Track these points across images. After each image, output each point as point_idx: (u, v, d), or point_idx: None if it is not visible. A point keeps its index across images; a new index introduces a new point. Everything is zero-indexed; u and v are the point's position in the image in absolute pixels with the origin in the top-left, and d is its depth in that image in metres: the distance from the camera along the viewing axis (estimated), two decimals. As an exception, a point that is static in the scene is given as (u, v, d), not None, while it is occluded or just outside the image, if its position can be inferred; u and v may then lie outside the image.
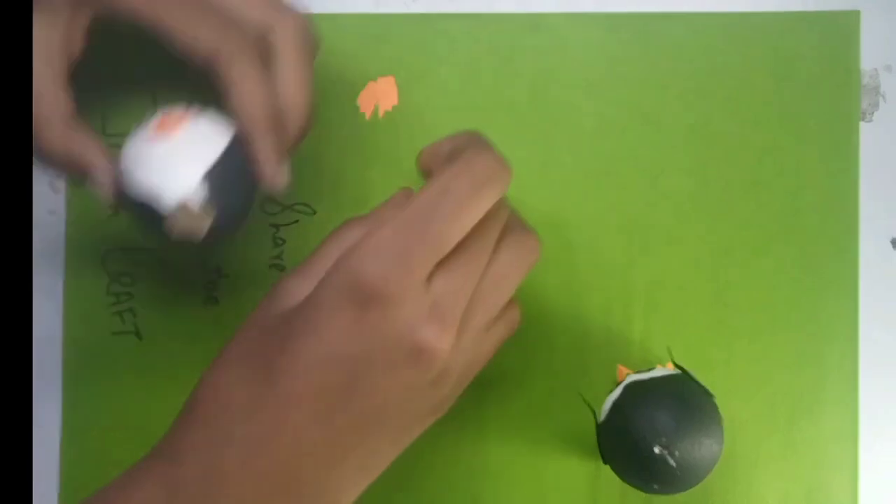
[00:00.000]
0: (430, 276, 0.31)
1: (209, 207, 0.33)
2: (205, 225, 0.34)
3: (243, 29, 0.35)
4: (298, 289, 0.33)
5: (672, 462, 0.36)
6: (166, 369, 0.44)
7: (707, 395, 0.38)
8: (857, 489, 0.43)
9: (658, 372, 0.38)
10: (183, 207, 0.33)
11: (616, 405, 0.38)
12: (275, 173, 0.35)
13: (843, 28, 0.44)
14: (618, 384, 0.38)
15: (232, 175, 0.34)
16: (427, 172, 0.35)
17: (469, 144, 0.33)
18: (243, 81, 0.35)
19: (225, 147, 0.34)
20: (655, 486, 0.37)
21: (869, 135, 0.44)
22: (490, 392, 0.44)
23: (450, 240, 0.30)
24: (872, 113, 0.44)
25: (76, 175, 0.36)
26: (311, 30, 0.37)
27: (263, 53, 0.36)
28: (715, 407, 0.37)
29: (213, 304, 0.44)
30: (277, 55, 0.36)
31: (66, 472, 0.44)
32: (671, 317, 0.44)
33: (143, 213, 0.34)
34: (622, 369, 0.40)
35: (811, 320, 0.44)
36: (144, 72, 0.44)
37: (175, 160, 0.33)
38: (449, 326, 0.31)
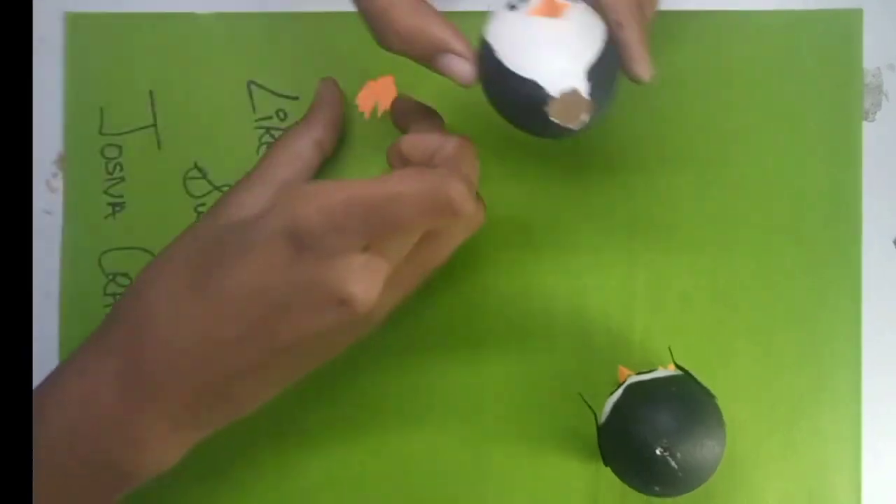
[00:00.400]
0: (365, 248, 0.32)
1: (595, 96, 0.33)
2: (587, 115, 0.33)
3: None
4: (246, 202, 0.36)
5: (674, 464, 0.36)
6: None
7: (709, 396, 0.37)
8: (860, 490, 0.43)
9: (659, 373, 0.38)
10: (572, 95, 0.32)
11: (617, 406, 0.38)
12: (647, 64, 0.35)
13: (846, 27, 0.44)
14: (619, 385, 0.38)
15: (612, 66, 0.34)
16: (398, 159, 0.36)
17: (453, 159, 0.34)
18: None
19: (605, 36, 0.33)
20: (657, 488, 0.37)
21: (872, 134, 0.44)
22: (490, 393, 0.44)
23: (392, 236, 0.32)
24: (875, 112, 0.44)
25: (425, 55, 0.35)
26: None
27: None
28: (717, 408, 0.37)
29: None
30: None
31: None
32: (672, 317, 0.44)
33: (522, 93, 0.33)
34: (623, 370, 0.40)
35: (814, 320, 0.44)
36: (143, 71, 0.44)
37: (566, 45, 0.33)
38: (375, 285, 0.32)
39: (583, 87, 0.32)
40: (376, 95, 0.43)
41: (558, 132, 0.33)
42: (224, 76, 0.44)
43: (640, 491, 0.38)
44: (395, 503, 0.43)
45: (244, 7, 0.44)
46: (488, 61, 0.34)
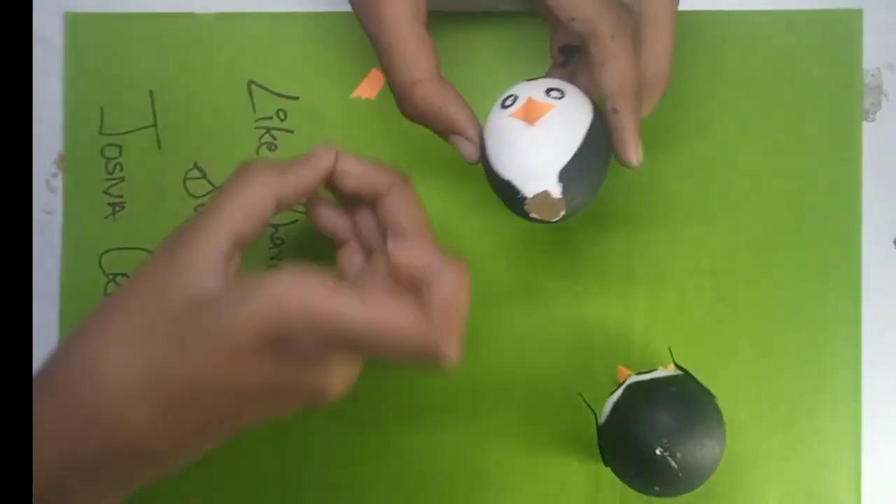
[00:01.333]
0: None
1: (568, 195, 0.34)
2: (562, 211, 0.35)
3: (620, 4, 0.34)
4: (198, 264, 0.31)
5: (674, 464, 0.36)
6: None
7: (709, 396, 0.37)
8: (860, 490, 0.43)
9: (659, 373, 0.38)
10: (544, 196, 0.34)
11: (617, 406, 0.38)
12: (637, 150, 0.36)
13: (846, 27, 0.44)
14: (619, 385, 0.38)
15: (591, 160, 0.35)
16: (394, 270, 0.33)
17: (451, 298, 0.32)
18: (619, 58, 0.34)
19: (585, 133, 0.34)
20: (657, 488, 0.37)
21: (872, 134, 0.44)
22: (490, 394, 0.44)
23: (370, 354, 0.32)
24: (875, 112, 0.44)
25: (441, 131, 0.37)
26: None
27: (635, 27, 0.35)
28: (717, 408, 0.37)
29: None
30: (649, 23, 0.35)
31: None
32: (672, 317, 0.44)
33: (502, 190, 0.35)
34: (623, 370, 0.40)
35: (814, 320, 0.44)
36: (143, 72, 0.44)
37: (539, 152, 0.34)
38: (351, 379, 0.32)
39: (555, 190, 0.34)
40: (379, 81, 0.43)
41: (540, 221, 0.35)
42: (224, 76, 0.44)
43: (640, 491, 0.38)
44: (394, 503, 0.43)
45: (244, 7, 0.44)
46: (482, 154, 0.36)
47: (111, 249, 0.44)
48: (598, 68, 0.34)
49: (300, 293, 0.29)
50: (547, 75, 0.39)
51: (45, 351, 0.44)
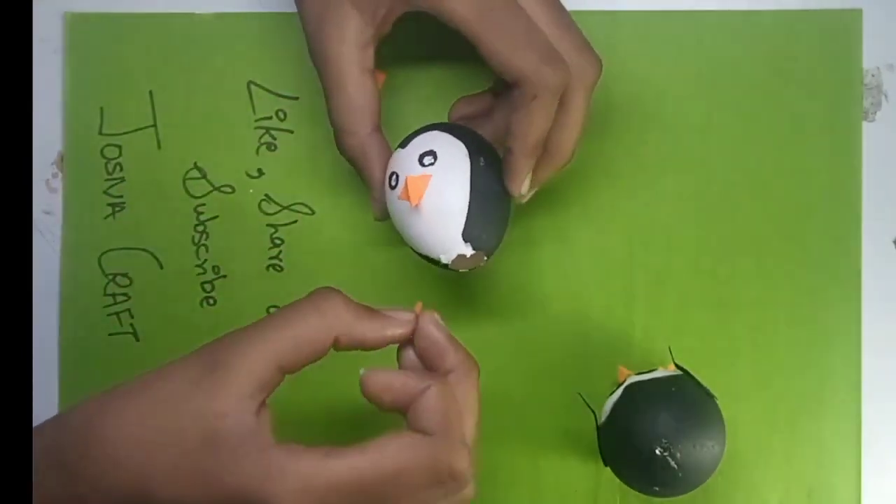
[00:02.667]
0: None
1: (480, 245, 0.36)
2: (485, 257, 0.37)
3: (559, 67, 0.35)
4: (238, 403, 0.30)
5: (673, 464, 0.36)
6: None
7: (708, 396, 0.37)
8: (861, 490, 0.43)
9: (659, 373, 0.38)
10: (460, 259, 0.36)
11: (617, 407, 0.38)
12: (522, 186, 0.37)
13: (845, 26, 0.44)
14: (619, 385, 0.38)
15: (485, 204, 0.36)
16: (377, 401, 0.32)
17: (451, 418, 0.32)
18: (538, 113, 0.35)
19: (469, 187, 0.36)
20: (656, 489, 0.37)
21: (871, 134, 0.44)
22: (490, 394, 0.43)
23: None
24: (875, 112, 0.44)
25: (359, 174, 0.39)
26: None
27: (565, 96, 0.36)
28: (716, 408, 0.37)
29: (211, 305, 0.44)
30: (571, 100, 0.36)
31: (64, 474, 0.43)
32: (672, 317, 0.43)
33: (423, 258, 0.38)
34: (623, 370, 0.40)
35: (814, 320, 0.44)
36: (142, 72, 0.44)
37: (435, 227, 0.36)
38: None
39: (466, 251, 0.36)
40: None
41: (469, 270, 0.37)
42: (224, 76, 0.44)
43: (639, 491, 0.38)
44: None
45: (244, 7, 0.44)
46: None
47: (111, 249, 0.44)
48: (512, 111, 0.36)
49: (297, 468, 0.29)
50: (476, 96, 0.40)
51: (46, 351, 0.44)
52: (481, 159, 0.36)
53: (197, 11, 0.44)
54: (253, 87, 0.44)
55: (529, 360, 0.44)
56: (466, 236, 0.36)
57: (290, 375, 0.32)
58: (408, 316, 0.33)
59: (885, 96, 0.44)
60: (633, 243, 0.44)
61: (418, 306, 0.34)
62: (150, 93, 0.44)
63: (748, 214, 0.44)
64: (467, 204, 0.36)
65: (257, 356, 0.31)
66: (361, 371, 0.32)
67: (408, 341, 0.34)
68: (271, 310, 0.44)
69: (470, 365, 0.34)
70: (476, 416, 0.33)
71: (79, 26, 0.44)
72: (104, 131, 0.44)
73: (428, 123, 0.38)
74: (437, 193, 0.36)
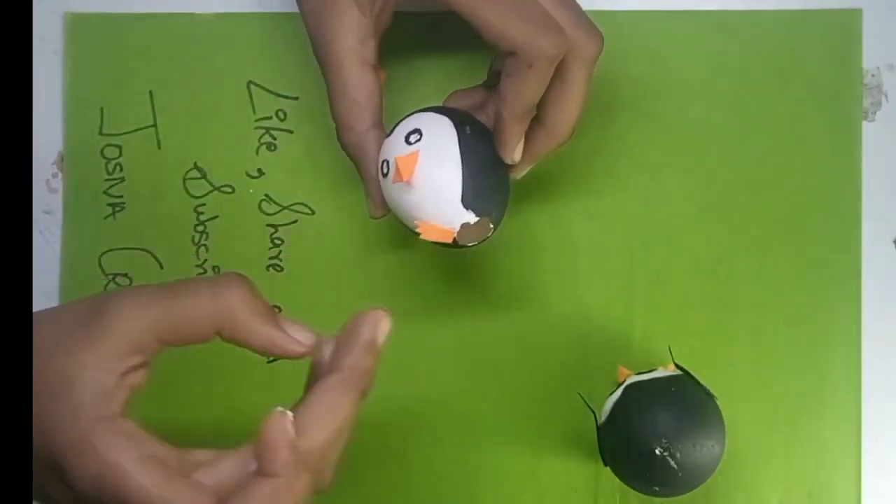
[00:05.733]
0: None
1: (484, 212, 0.35)
2: (491, 225, 0.36)
3: (556, 35, 0.35)
4: (106, 381, 0.30)
5: (673, 464, 0.36)
6: (164, 371, 0.44)
7: (708, 396, 0.37)
8: (861, 490, 0.43)
9: (659, 373, 0.38)
10: (465, 230, 0.35)
11: (617, 406, 0.38)
12: (515, 152, 0.36)
13: (845, 26, 0.44)
14: (618, 385, 0.38)
15: (479, 168, 0.35)
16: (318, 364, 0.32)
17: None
18: (532, 80, 0.35)
19: (459, 154, 0.35)
20: (656, 489, 0.37)
21: (871, 134, 0.44)
22: (490, 394, 0.44)
23: None
24: (875, 112, 0.44)
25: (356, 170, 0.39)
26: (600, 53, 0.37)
27: (562, 70, 0.36)
28: (716, 408, 0.37)
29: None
30: (569, 74, 0.36)
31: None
32: (672, 317, 0.43)
33: (430, 243, 0.36)
34: (623, 370, 0.40)
35: (813, 320, 0.44)
36: (142, 72, 0.44)
37: (434, 201, 0.35)
38: None
39: (468, 218, 0.35)
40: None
41: (478, 244, 0.36)
42: (224, 76, 0.44)
43: (639, 491, 0.38)
44: (394, 503, 0.43)
45: (244, 7, 0.44)
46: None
47: (111, 249, 0.44)
48: (504, 77, 0.35)
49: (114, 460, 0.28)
50: (469, 90, 0.40)
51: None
52: (467, 128, 0.36)
53: (197, 11, 0.44)
54: (253, 87, 0.44)
55: (529, 359, 0.44)
56: (466, 203, 0.35)
57: (176, 348, 0.31)
58: (306, 338, 0.32)
59: (885, 96, 0.44)
60: (633, 243, 0.44)
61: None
62: (150, 93, 0.44)
63: (748, 214, 0.44)
64: (460, 171, 0.35)
65: (135, 321, 0.30)
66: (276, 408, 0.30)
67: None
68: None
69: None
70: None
71: (79, 26, 0.44)
72: (104, 131, 0.44)
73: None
74: (428, 166, 0.35)
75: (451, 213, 0.35)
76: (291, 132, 0.44)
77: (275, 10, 0.44)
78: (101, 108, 0.44)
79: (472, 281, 0.44)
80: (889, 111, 0.44)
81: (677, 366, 0.39)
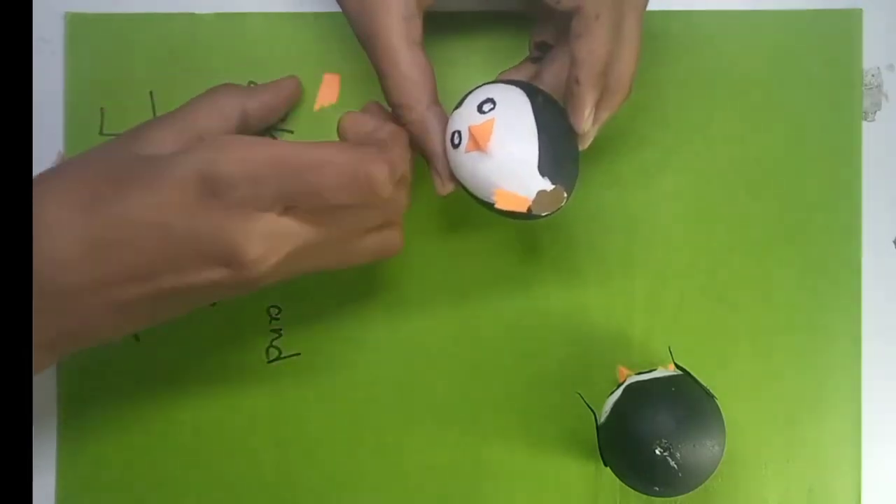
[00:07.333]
0: (283, 211, 0.33)
1: (559, 179, 0.35)
2: (565, 194, 0.35)
3: None
4: (157, 139, 0.35)
5: (673, 464, 0.36)
6: (164, 372, 0.44)
7: (708, 396, 0.37)
8: (860, 490, 0.43)
9: (659, 373, 0.38)
10: (541, 196, 0.35)
11: (617, 406, 0.38)
12: (588, 119, 0.36)
13: (845, 26, 0.44)
14: (618, 385, 0.38)
15: (554, 137, 0.35)
16: (341, 134, 0.37)
17: (384, 142, 0.35)
18: (601, 34, 0.35)
19: (534, 121, 0.35)
20: (656, 488, 0.37)
21: (871, 134, 0.44)
22: (490, 393, 0.44)
23: (308, 203, 0.33)
24: (875, 112, 0.44)
25: (419, 150, 0.38)
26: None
27: (618, 19, 0.36)
28: (716, 408, 0.37)
29: (212, 305, 0.44)
30: (624, 25, 0.36)
31: (64, 472, 0.43)
32: (672, 317, 0.44)
33: (501, 213, 0.36)
34: (623, 370, 0.40)
35: (813, 320, 0.44)
36: (142, 72, 0.44)
37: (510, 169, 0.35)
38: (274, 252, 0.33)
39: (545, 185, 0.35)
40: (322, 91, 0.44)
41: (549, 215, 0.36)
42: (224, 76, 0.44)
43: (639, 491, 0.38)
44: (394, 503, 0.43)
45: (244, 7, 0.44)
46: (464, 189, 0.37)
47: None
48: (574, 40, 0.35)
49: (241, 138, 0.32)
50: (518, 67, 0.40)
51: (45, 351, 0.44)
52: (539, 98, 0.36)
53: (197, 11, 0.44)
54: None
55: (529, 360, 0.44)
56: (542, 170, 0.35)
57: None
58: (289, 79, 0.42)
59: (885, 96, 0.44)
60: (633, 243, 0.44)
61: None
62: (151, 93, 0.44)
63: (748, 214, 0.44)
64: (536, 138, 0.35)
65: (177, 121, 0.37)
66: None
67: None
68: (271, 310, 0.44)
69: (397, 127, 0.37)
70: (410, 164, 0.37)
71: (79, 26, 0.44)
72: (104, 131, 0.44)
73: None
74: (505, 134, 0.35)
75: (528, 181, 0.35)
76: (291, 132, 0.44)
77: (275, 11, 0.44)
78: (101, 108, 0.44)
79: (472, 280, 0.44)
80: (889, 111, 0.44)
81: (677, 366, 0.39)
